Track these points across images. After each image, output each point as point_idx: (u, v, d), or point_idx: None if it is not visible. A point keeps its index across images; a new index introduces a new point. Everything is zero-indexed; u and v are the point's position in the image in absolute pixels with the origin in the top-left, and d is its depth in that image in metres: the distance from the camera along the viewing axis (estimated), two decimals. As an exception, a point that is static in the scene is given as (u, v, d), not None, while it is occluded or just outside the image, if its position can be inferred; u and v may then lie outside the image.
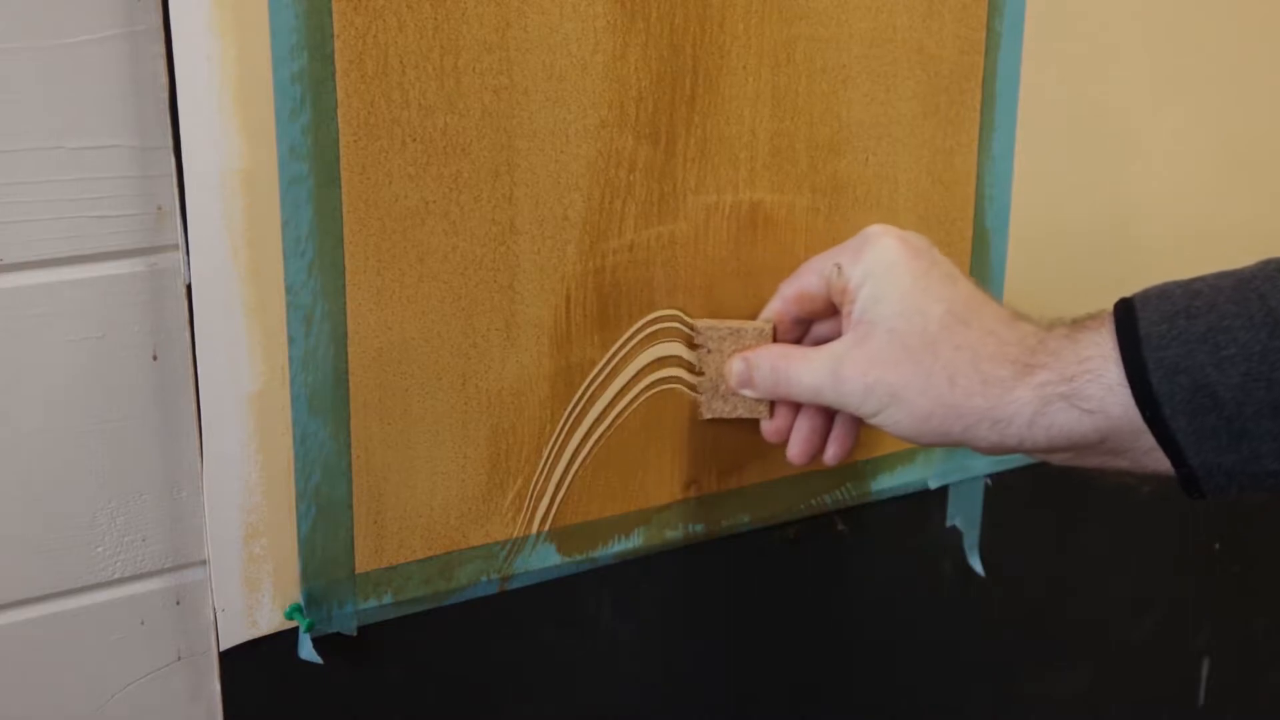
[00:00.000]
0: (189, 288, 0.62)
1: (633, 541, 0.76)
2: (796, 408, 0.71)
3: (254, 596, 0.67)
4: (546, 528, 0.73)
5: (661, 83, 0.69)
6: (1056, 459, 0.64)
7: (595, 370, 0.72)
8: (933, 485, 0.85)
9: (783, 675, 0.86)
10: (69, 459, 0.63)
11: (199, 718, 0.69)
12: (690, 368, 0.75)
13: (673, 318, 0.73)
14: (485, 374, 0.69)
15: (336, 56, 0.62)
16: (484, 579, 0.72)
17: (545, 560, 0.74)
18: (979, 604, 0.91)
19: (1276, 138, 0.92)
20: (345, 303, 0.65)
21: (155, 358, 0.64)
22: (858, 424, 0.70)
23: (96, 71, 0.59)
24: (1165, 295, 0.61)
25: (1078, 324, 0.62)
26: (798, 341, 0.72)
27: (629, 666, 0.79)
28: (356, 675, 0.71)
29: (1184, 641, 1.04)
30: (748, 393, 0.70)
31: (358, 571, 0.69)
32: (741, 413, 0.72)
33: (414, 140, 0.64)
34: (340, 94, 0.62)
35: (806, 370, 0.66)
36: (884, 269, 0.65)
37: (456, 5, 0.64)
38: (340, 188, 0.63)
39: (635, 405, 0.74)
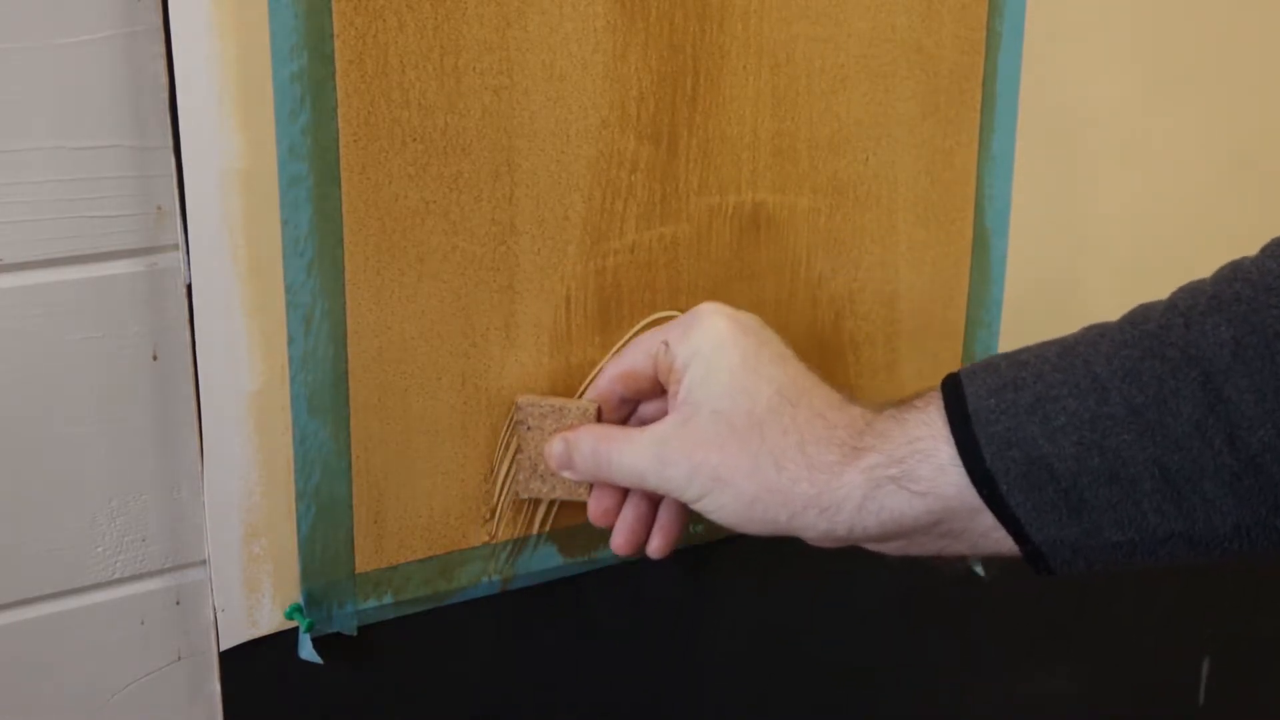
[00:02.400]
0: (189, 288, 0.62)
1: (633, 542, 0.76)
2: (621, 492, 0.67)
3: (254, 596, 0.67)
4: (547, 528, 0.73)
5: (662, 83, 0.69)
6: (889, 548, 0.61)
7: (595, 370, 0.72)
8: (933, 485, 0.85)
9: (783, 675, 0.86)
10: (69, 459, 0.63)
11: (199, 718, 0.69)
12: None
13: (673, 319, 0.73)
14: (485, 374, 0.69)
15: (336, 56, 0.62)
16: (485, 579, 0.72)
17: (546, 561, 0.74)
18: (979, 604, 0.91)
19: (1276, 137, 0.92)
20: (345, 302, 0.65)
21: (155, 358, 0.64)
22: (684, 513, 0.67)
23: (96, 71, 0.59)
24: (991, 368, 0.59)
25: (905, 404, 0.60)
26: (623, 422, 0.69)
27: (629, 666, 0.79)
28: (356, 675, 0.71)
29: (1184, 641, 1.04)
30: (567, 474, 0.67)
31: (358, 571, 0.69)
32: (560, 494, 0.69)
33: (414, 140, 0.64)
34: (340, 94, 0.62)
35: (629, 452, 0.63)
36: (711, 348, 0.63)
37: (456, 5, 0.64)
38: (340, 187, 0.63)
39: (635, 405, 0.74)
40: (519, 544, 0.73)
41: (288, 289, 0.64)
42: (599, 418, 0.68)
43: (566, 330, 0.71)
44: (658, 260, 0.72)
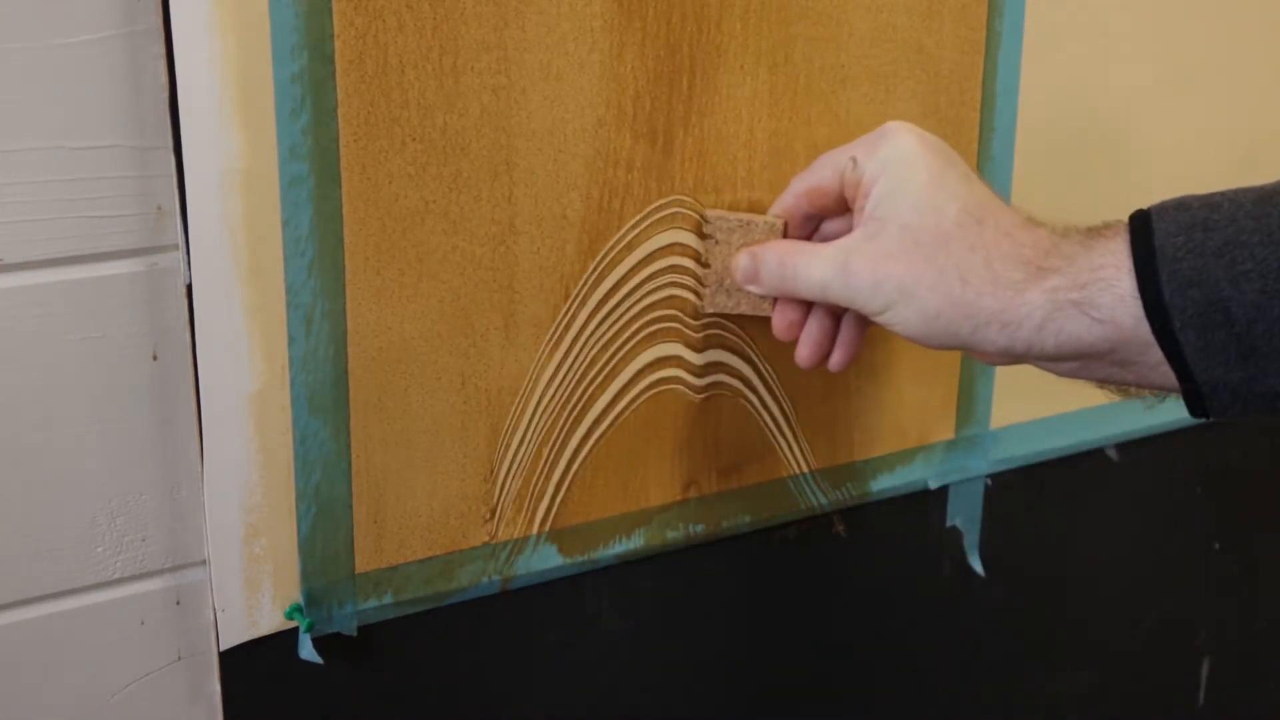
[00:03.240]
0: (189, 288, 0.62)
1: (633, 542, 0.76)
2: (805, 307, 0.69)
3: (254, 596, 0.67)
4: (547, 528, 0.73)
5: (659, 82, 0.70)
6: (1063, 369, 0.62)
7: (596, 369, 0.72)
8: (933, 485, 0.85)
9: (783, 676, 0.86)
10: (69, 459, 0.63)
11: (199, 718, 0.69)
12: (692, 369, 0.75)
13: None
14: (485, 373, 0.69)
15: (336, 56, 0.62)
16: (485, 579, 0.72)
17: (546, 561, 0.74)
18: (979, 604, 0.91)
19: (1277, 137, 0.92)
20: (345, 302, 0.65)
21: (155, 358, 0.64)
22: (864, 327, 0.69)
23: (96, 71, 0.60)
24: (1183, 207, 0.59)
25: (1093, 231, 0.61)
26: (808, 239, 0.70)
27: (629, 666, 0.79)
28: (356, 675, 0.71)
29: (1184, 641, 1.04)
30: (753, 289, 0.68)
31: (358, 571, 0.69)
32: (745, 309, 0.70)
33: (414, 140, 0.65)
34: (340, 94, 0.62)
35: (815, 265, 0.64)
36: (900, 164, 0.63)
37: (455, 5, 0.64)
38: (340, 187, 0.63)
39: (635, 406, 0.74)
40: (519, 544, 0.73)
41: (288, 289, 0.64)
42: (785, 233, 0.69)
43: (566, 329, 0.71)
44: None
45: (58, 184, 0.60)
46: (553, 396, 0.71)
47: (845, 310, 0.68)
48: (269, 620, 0.68)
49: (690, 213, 0.72)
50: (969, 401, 0.85)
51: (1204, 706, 1.06)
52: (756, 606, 0.83)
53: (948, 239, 0.61)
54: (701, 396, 0.76)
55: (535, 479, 0.72)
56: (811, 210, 0.69)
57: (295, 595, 0.68)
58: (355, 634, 0.70)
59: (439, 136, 0.65)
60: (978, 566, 0.89)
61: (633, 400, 0.74)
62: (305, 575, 0.67)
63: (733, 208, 0.73)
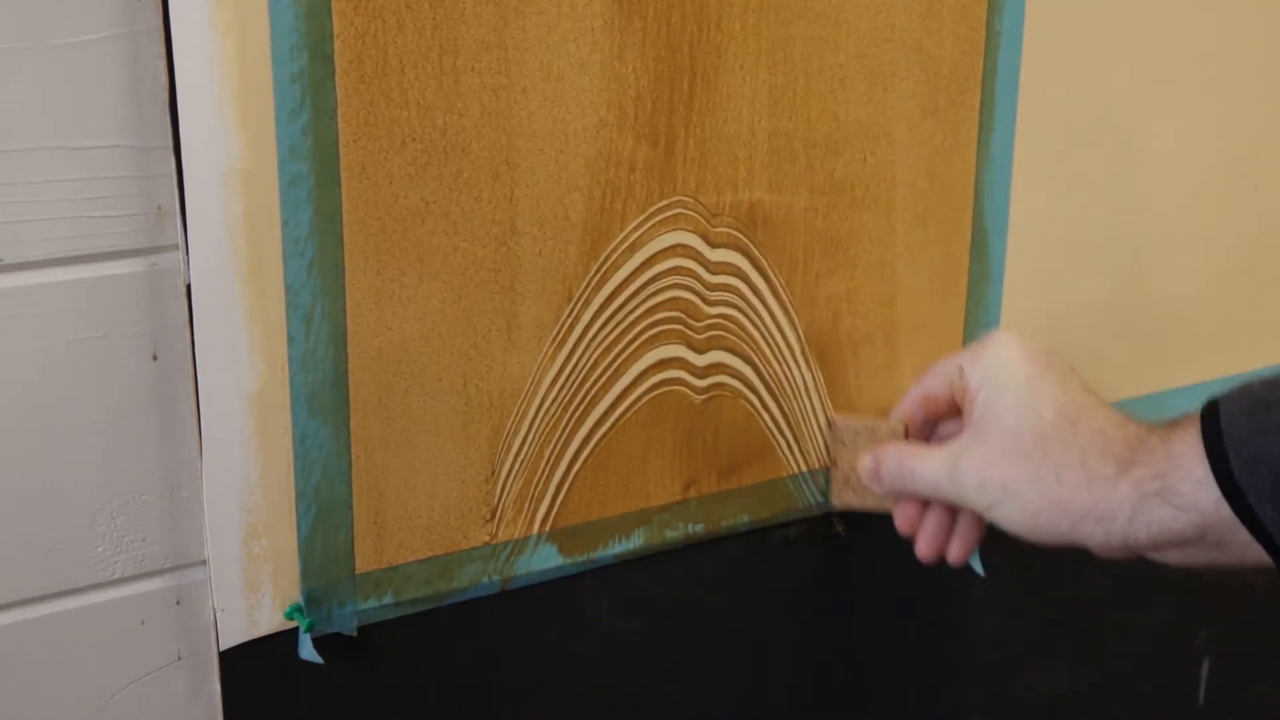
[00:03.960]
0: (189, 288, 0.62)
1: (633, 542, 0.76)
2: (923, 504, 0.73)
3: (254, 596, 0.67)
4: (547, 528, 0.73)
5: (660, 82, 0.70)
6: (1169, 557, 0.65)
7: (599, 372, 0.72)
8: (933, 485, 0.85)
9: (783, 676, 0.86)
10: (69, 459, 0.63)
11: (199, 718, 0.69)
12: (694, 370, 0.75)
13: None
14: (486, 375, 0.69)
15: (336, 56, 0.62)
16: (485, 579, 0.72)
17: (547, 561, 0.74)
18: (979, 604, 0.91)
19: (1276, 137, 0.92)
20: (345, 303, 0.65)
21: (155, 358, 0.64)
22: (980, 524, 0.72)
23: (96, 71, 0.60)
24: (1246, 390, 0.62)
25: (1174, 424, 0.64)
26: (926, 440, 0.75)
27: (629, 666, 0.79)
28: (356, 675, 0.71)
29: (1184, 641, 1.03)
30: (875, 487, 0.73)
31: (358, 571, 0.69)
32: (870, 505, 0.75)
33: (414, 140, 0.65)
34: (340, 94, 0.62)
35: (929, 466, 0.69)
36: (1001, 371, 0.68)
37: (455, 5, 0.64)
38: (340, 187, 0.63)
39: (636, 407, 0.74)
40: (519, 544, 0.73)
41: (288, 289, 0.64)
42: (906, 435, 0.74)
43: (569, 330, 0.71)
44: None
45: (58, 184, 0.60)
46: (555, 398, 0.71)
47: (960, 508, 0.72)
48: (269, 620, 0.68)
49: (692, 214, 0.72)
50: (969, 401, 0.84)
51: (1204, 706, 1.06)
52: (756, 606, 0.83)
53: (1045, 439, 0.65)
54: (702, 398, 0.76)
55: (536, 480, 0.72)
56: (928, 415, 0.74)
57: (295, 595, 0.68)
58: (355, 634, 0.69)
59: (439, 137, 0.65)
60: (977, 567, 0.89)
61: (635, 401, 0.74)
62: (305, 575, 0.67)
63: (734, 209, 0.73)
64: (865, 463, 0.73)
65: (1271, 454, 0.59)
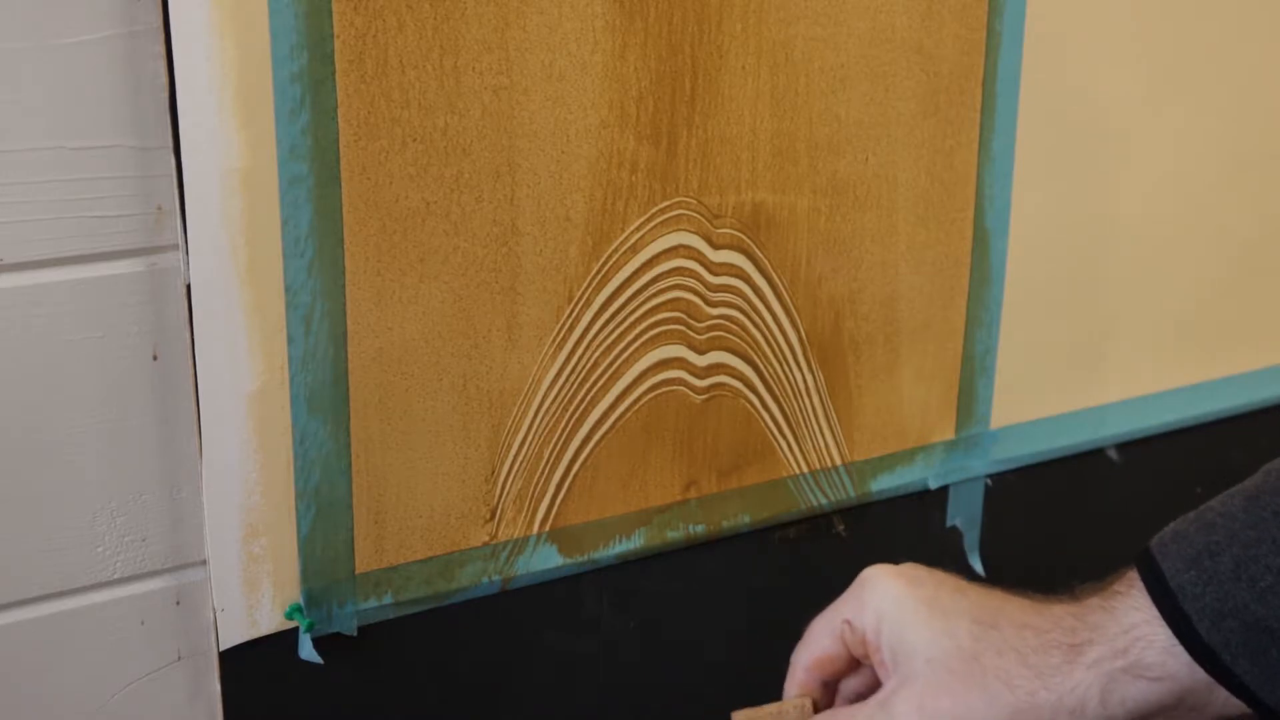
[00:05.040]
0: (189, 288, 0.62)
1: (633, 542, 0.76)
2: None
3: (254, 596, 0.67)
4: (547, 528, 0.73)
5: (661, 83, 0.69)
6: None
7: (599, 372, 0.72)
8: (933, 485, 0.85)
9: (781, 675, 0.86)
10: (69, 459, 0.63)
11: (199, 718, 0.69)
12: (694, 370, 0.75)
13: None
14: (487, 375, 0.69)
15: (336, 56, 0.62)
16: (485, 579, 0.72)
17: (547, 561, 0.74)
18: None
19: (1276, 137, 0.92)
20: (345, 303, 0.65)
21: (155, 358, 0.64)
22: None
23: (96, 71, 0.59)
24: (1181, 537, 0.60)
25: (1106, 591, 0.61)
26: (830, 704, 0.69)
27: (629, 666, 0.79)
28: (356, 675, 0.71)
29: (1184, 642, 1.03)
30: None
31: (358, 571, 0.69)
32: None
33: (414, 140, 0.64)
34: (340, 94, 0.62)
35: None
36: (892, 608, 0.63)
37: (456, 5, 0.64)
38: (340, 188, 0.63)
39: (637, 407, 0.74)
40: (519, 544, 0.73)
41: (288, 289, 0.64)
42: (815, 709, 0.68)
43: (569, 331, 0.71)
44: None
45: (58, 184, 0.60)
46: (555, 398, 0.71)
47: None
48: (269, 620, 0.68)
49: (695, 215, 0.72)
50: (969, 401, 0.85)
51: (1203, 706, 1.05)
52: (756, 606, 0.83)
53: (975, 656, 0.61)
54: (703, 398, 0.76)
55: (536, 479, 0.72)
56: (826, 678, 0.68)
57: (295, 595, 0.68)
58: (355, 634, 0.69)
59: (440, 137, 0.65)
60: (978, 566, 0.89)
61: (635, 402, 0.74)
62: (305, 575, 0.67)
63: (736, 210, 0.73)
64: None
65: (1234, 605, 0.57)
